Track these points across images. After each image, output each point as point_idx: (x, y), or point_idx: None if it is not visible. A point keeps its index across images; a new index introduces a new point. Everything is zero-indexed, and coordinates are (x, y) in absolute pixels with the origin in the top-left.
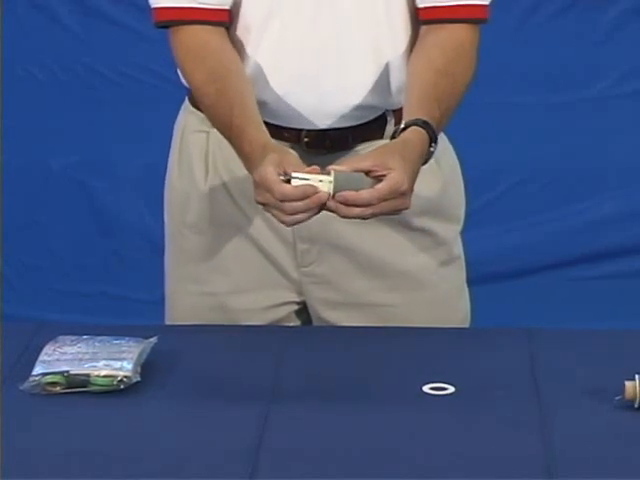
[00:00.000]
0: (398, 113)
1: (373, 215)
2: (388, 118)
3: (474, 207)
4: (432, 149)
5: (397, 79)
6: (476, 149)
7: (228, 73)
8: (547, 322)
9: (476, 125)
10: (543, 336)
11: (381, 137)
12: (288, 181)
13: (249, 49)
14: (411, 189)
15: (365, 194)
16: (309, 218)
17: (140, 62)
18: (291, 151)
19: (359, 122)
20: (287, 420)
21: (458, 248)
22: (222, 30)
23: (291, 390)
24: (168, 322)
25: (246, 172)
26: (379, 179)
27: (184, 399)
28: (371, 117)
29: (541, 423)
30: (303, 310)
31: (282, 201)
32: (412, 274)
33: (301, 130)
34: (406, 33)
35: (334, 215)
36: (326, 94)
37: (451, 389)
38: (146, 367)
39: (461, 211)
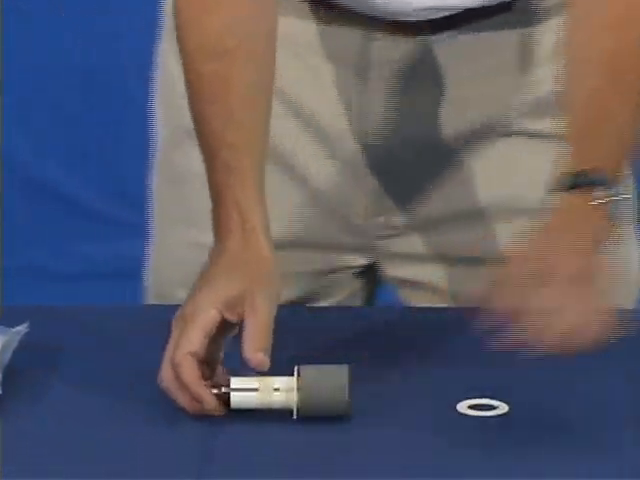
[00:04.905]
0: None
1: None
2: None
3: None
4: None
5: None
6: None
7: (239, 51)
8: None
9: None
10: None
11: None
12: (224, 393)
13: None
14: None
15: None
16: None
17: None
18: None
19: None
20: None
21: None
22: None
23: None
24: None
25: None
26: None
27: (68, 418)
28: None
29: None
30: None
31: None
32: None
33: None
34: None
35: None
36: None
37: (504, 408)
38: (11, 371)
39: None
